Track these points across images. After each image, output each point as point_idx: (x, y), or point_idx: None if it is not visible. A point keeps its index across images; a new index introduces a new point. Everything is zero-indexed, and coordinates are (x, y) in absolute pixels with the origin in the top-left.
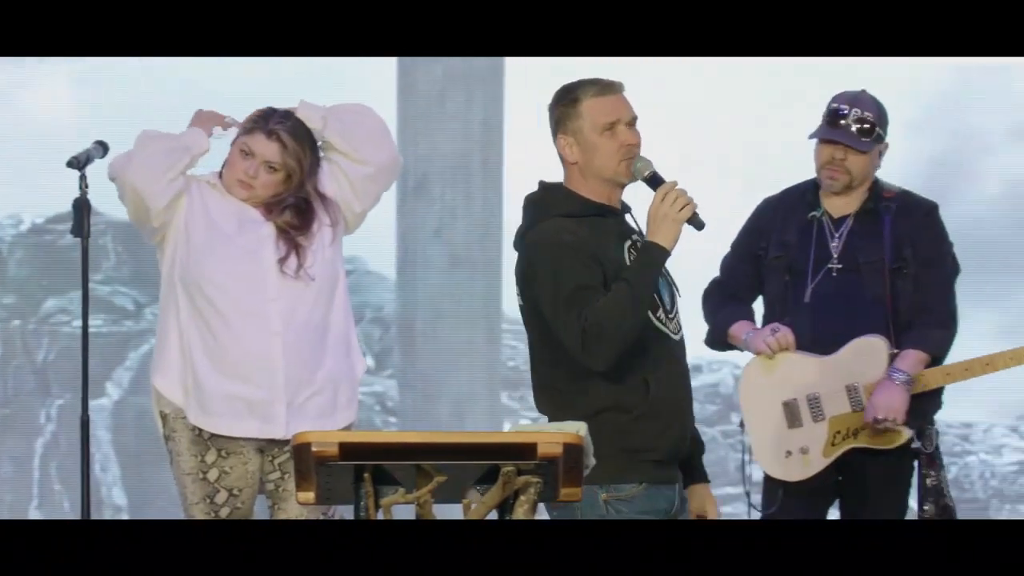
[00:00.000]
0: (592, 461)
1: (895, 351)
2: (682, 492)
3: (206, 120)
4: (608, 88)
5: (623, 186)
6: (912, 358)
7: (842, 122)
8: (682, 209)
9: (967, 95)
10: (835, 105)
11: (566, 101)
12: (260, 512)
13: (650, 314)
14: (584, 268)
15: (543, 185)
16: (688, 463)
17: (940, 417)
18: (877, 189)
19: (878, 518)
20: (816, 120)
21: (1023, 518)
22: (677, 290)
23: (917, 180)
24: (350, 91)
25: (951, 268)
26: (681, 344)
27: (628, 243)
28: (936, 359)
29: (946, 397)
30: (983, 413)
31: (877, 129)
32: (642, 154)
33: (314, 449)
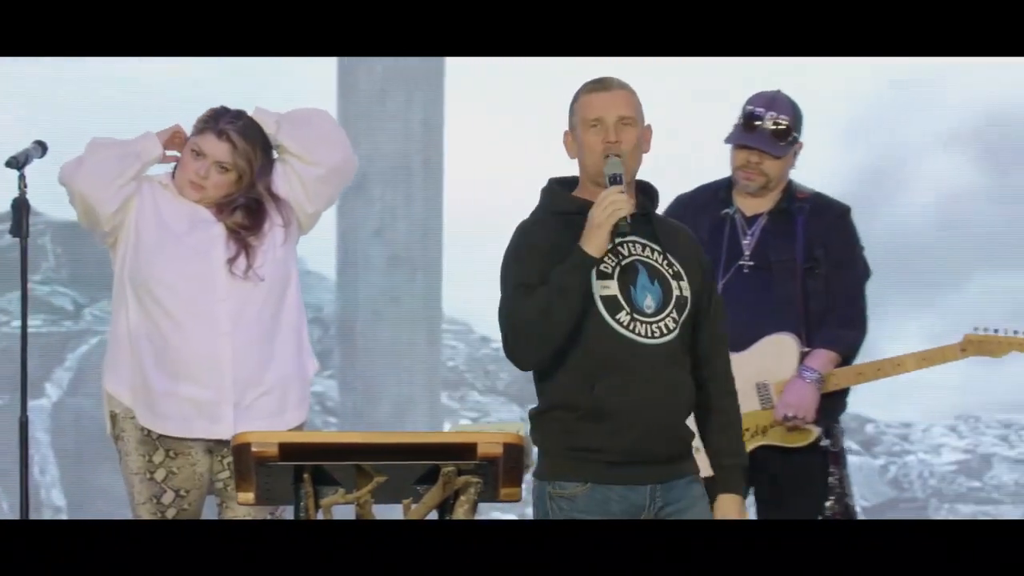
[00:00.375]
0: (533, 461)
1: (806, 349)
2: (666, 494)
3: (164, 133)
4: (599, 85)
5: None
6: (823, 357)
7: (758, 124)
8: (610, 214)
9: (898, 104)
10: (751, 108)
11: (573, 98)
12: (208, 513)
13: (608, 317)
14: (530, 268)
15: (551, 179)
16: (716, 472)
17: (879, 416)
18: (791, 190)
19: (793, 517)
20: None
21: (962, 518)
22: (681, 295)
23: (850, 187)
24: (290, 91)
25: (862, 271)
26: (659, 349)
27: (610, 248)
28: (846, 359)
29: (886, 397)
30: (922, 413)
31: (792, 132)
32: (616, 156)
33: (254, 450)
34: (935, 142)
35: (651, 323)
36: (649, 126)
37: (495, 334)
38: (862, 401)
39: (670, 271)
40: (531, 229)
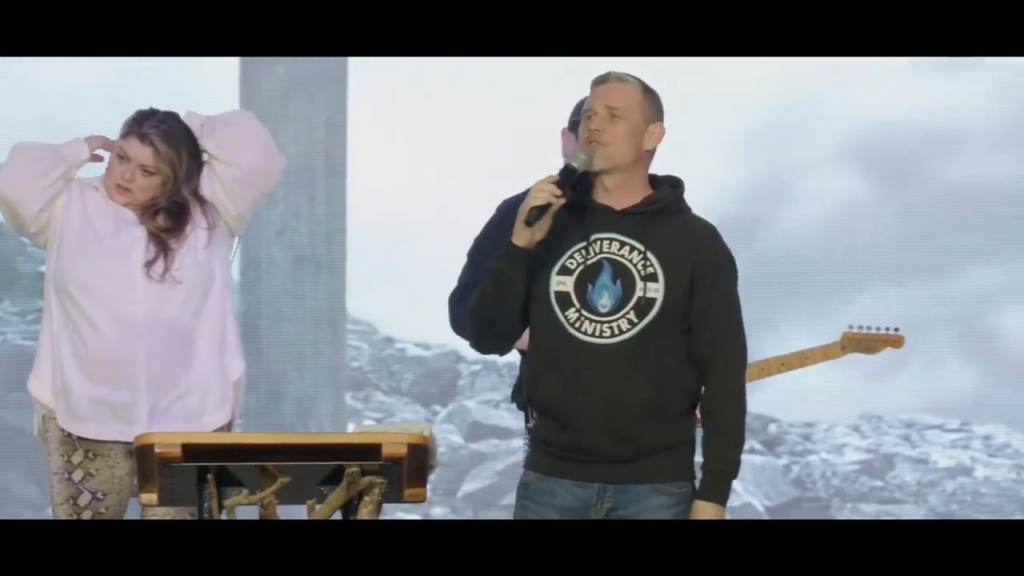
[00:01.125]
0: (436, 462)
1: None
2: (619, 496)
3: (97, 139)
4: (599, 78)
5: (606, 176)
6: None
7: None
8: (526, 203)
9: (785, 127)
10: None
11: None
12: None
13: (559, 313)
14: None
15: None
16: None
17: (782, 416)
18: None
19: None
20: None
21: (865, 517)
22: (645, 296)
23: (738, 205)
24: (192, 93)
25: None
26: (609, 349)
27: (581, 245)
28: None
29: (790, 397)
30: (825, 413)
31: None
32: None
33: (157, 450)
34: (822, 157)
35: (602, 322)
36: (659, 124)
37: (399, 334)
38: (765, 401)
39: (642, 271)
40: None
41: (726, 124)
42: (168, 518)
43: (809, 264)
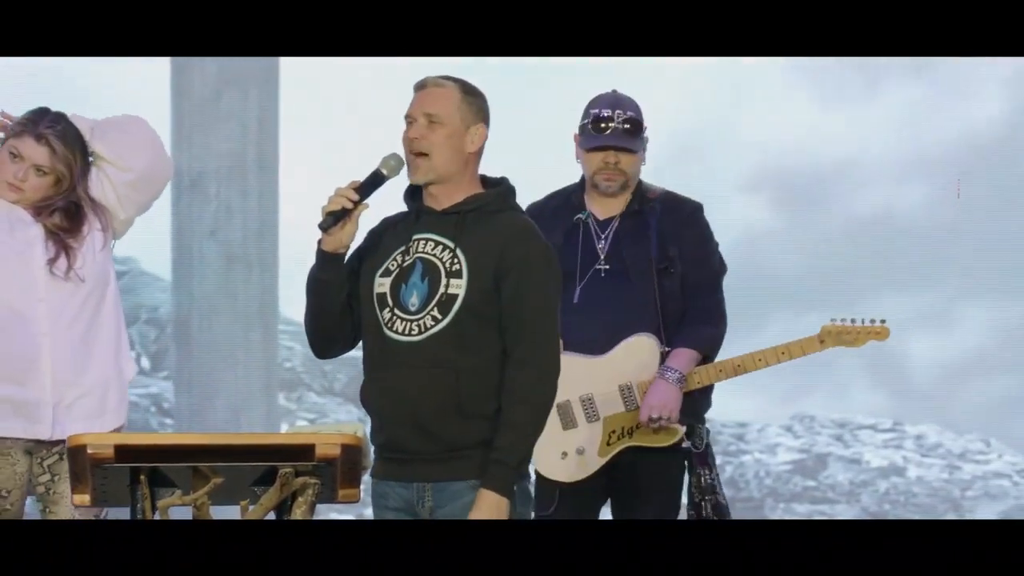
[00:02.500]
0: (370, 462)
1: (666, 349)
2: (437, 495)
3: None
4: (418, 84)
5: (423, 184)
6: (684, 356)
7: (611, 125)
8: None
9: (689, 154)
10: (596, 110)
11: None
12: (32, 514)
13: (378, 314)
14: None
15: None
16: None
17: (714, 416)
18: (641, 190)
19: (650, 517)
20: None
21: (797, 517)
22: (446, 292)
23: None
24: (123, 93)
25: (718, 267)
26: (416, 346)
27: (402, 247)
28: (707, 357)
29: (721, 396)
30: (757, 413)
31: (643, 126)
32: (395, 153)
33: (90, 451)
34: (728, 186)
35: (411, 320)
36: (480, 126)
37: None
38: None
39: (449, 268)
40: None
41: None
42: (74, 518)
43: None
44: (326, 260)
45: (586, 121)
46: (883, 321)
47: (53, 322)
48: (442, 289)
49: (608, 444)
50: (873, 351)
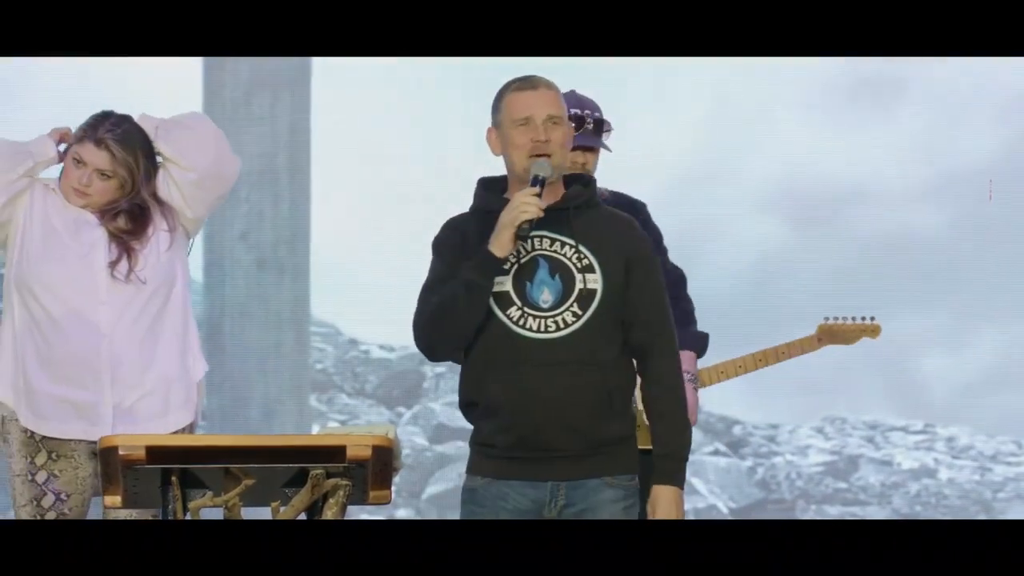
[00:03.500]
0: (401, 464)
1: None
2: (571, 493)
3: (56, 132)
4: (527, 83)
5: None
6: (688, 358)
7: (580, 127)
8: (515, 216)
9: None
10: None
11: (497, 96)
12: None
13: (500, 313)
14: (438, 264)
15: (480, 179)
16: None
17: (746, 418)
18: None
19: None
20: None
21: (830, 518)
22: (586, 288)
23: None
24: (155, 95)
25: (673, 267)
26: (555, 343)
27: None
28: (699, 355)
29: (753, 399)
30: (789, 414)
31: (606, 125)
32: (547, 158)
33: (121, 453)
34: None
35: (546, 317)
36: (572, 126)
37: (363, 336)
38: (729, 403)
39: (578, 264)
40: (453, 226)
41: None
42: (131, 518)
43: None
44: (496, 267)
45: None
46: (873, 318)
47: (114, 324)
48: (579, 285)
49: None
50: (892, 357)
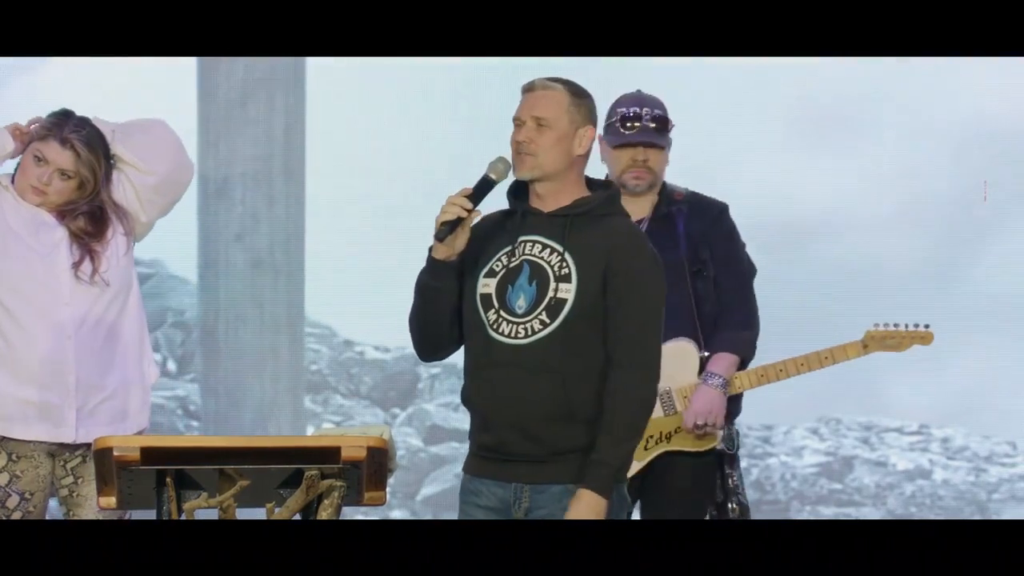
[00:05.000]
0: (396, 465)
1: (705, 354)
2: (535, 497)
3: (14, 126)
4: (527, 85)
5: (537, 183)
6: (725, 361)
7: (639, 124)
8: (437, 217)
9: None
10: (624, 109)
11: None
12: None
13: (482, 315)
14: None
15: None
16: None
17: (740, 418)
18: (667, 191)
19: (678, 518)
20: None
21: (823, 518)
22: (555, 296)
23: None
24: (150, 96)
25: (747, 268)
26: (523, 349)
27: (508, 248)
28: (745, 360)
29: (747, 399)
30: (783, 415)
31: (671, 123)
32: (502, 157)
33: (116, 454)
34: None
35: (518, 323)
36: (589, 128)
37: (358, 338)
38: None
39: (558, 272)
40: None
41: None
42: (123, 519)
43: None
44: (438, 268)
45: (613, 120)
46: (927, 326)
47: (77, 326)
48: (551, 293)
49: (645, 449)
50: (891, 358)
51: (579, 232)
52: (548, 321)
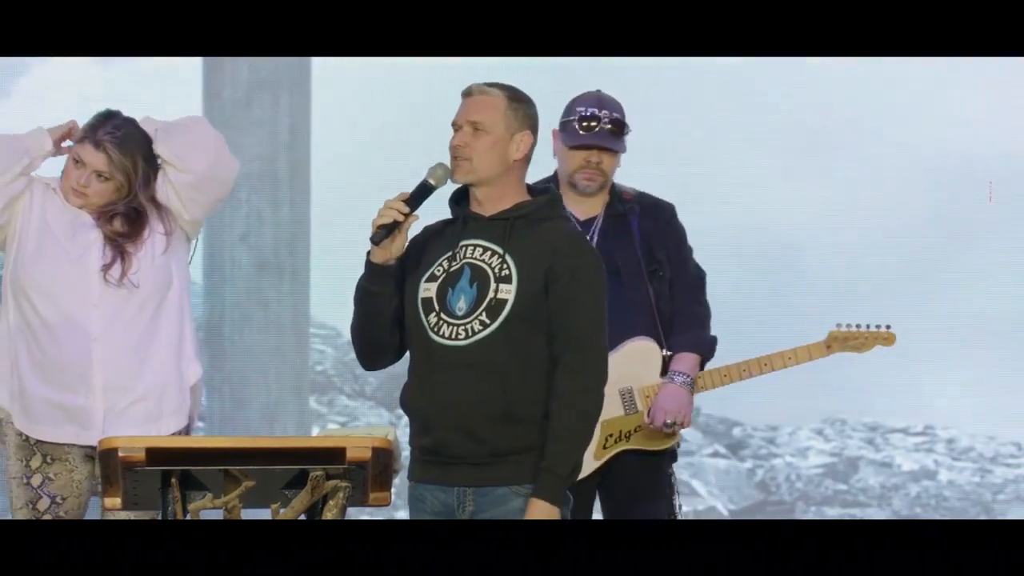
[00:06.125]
0: (401, 466)
1: (668, 353)
2: (479, 499)
3: (58, 130)
4: (466, 90)
5: (475, 188)
6: (690, 360)
7: (596, 125)
8: (374, 220)
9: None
10: (583, 109)
11: None
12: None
13: (423, 318)
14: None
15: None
16: None
17: (746, 419)
18: (616, 191)
19: (641, 517)
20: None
21: (828, 519)
22: (496, 297)
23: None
24: (154, 97)
25: (698, 270)
26: (462, 351)
27: (449, 253)
28: (705, 359)
29: (752, 400)
30: (788, 416)
31: (627, 128)
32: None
33: (120, 454)
34: None
35: (458, 325)
36: (526, 134)
37: None
38: (729, 404)
39: (499, 274)
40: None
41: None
42: (130, 519)
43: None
44: (376, 272)
45: (571, 118)
46: (888, 327)
47: (106, 328)
48: (491, 294)
49: (604, 447)
50: (892, 359)
51: (520, 235)
52: (488, 322)
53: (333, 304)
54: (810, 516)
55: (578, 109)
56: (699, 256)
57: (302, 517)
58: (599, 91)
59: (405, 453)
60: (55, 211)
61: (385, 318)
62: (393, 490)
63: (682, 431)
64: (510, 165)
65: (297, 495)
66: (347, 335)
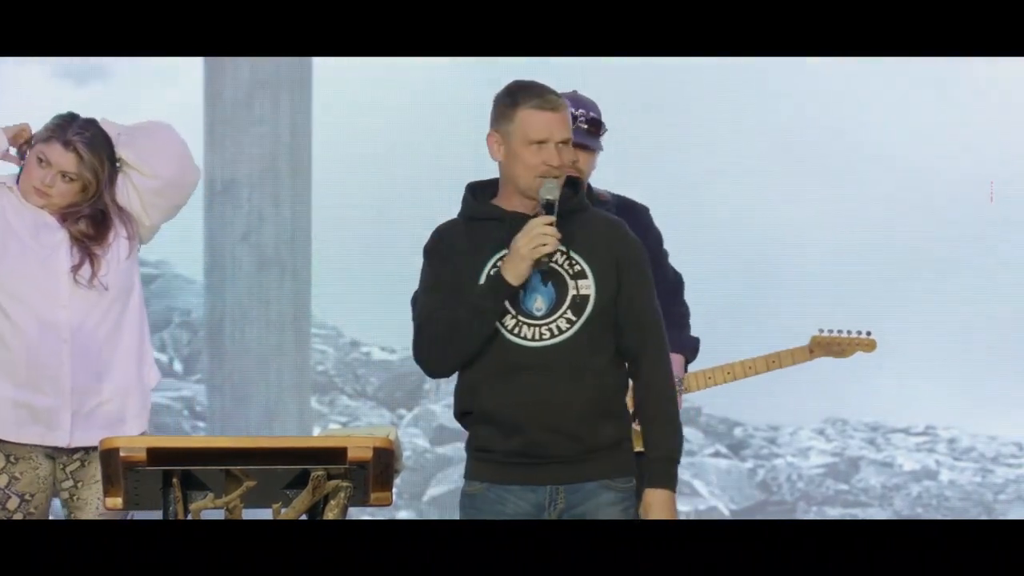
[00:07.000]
0: (402, 466)
1: None
2: (570, 496)
3: (10, 130)
4: (546, 103)
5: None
6: (676, 361)
7: (578, 124)
8: (535, 248)
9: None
10: None
11: (507, 102)
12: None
13: (497, 324)
14: (438, 272)
15: (469, 184)
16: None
17: (747, 420)
18: (592, 194)
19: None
20: None
21: (829, 519)
22: (579, 294)
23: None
24: (156, 97)
25: (674, 272)
26: (549, 350)
27: (498, 255)
28: (688, 360)
29: (753, 401)
30: (790, 416)
31: (603, 128)
32: (553, 179)
33: (122, 454)
34: None
35: (540, 325)
36: (491, 133)
37: (364, 338)
38: (730, 404)
39: (570, 271)
40: (445, 232)
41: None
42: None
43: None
44: (507, 293)
45: None
46: (869, 333)
47: (74, 330)
48: (572, 291)
49: None
50: (893, 360)
51: (573, 229)
52: (574, 319)
53: (334, 304)
54: (811, 516)
55: None
56: (684, 258)
57: (303, 517)
58: (575, 91)
59: (407, 453)
60: (13, 210)
61: (490, 334)
62: (394, 490)
63: (683, 431)
64: (499, 166)
65: (298, 495)
66: (348, 334)
